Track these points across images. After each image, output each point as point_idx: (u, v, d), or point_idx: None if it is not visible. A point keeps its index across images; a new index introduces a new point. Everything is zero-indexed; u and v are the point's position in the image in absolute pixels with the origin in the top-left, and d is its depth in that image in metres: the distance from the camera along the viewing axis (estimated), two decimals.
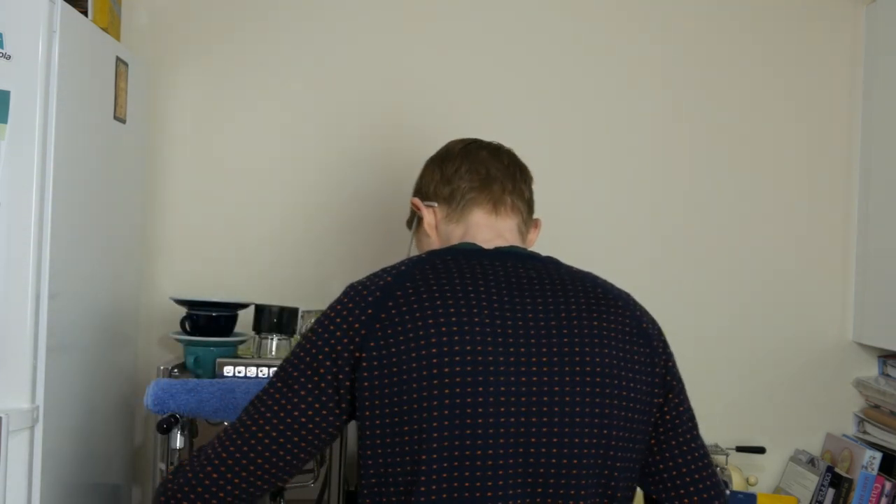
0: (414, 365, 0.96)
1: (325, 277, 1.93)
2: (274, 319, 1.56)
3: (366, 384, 0.98)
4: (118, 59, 1.63)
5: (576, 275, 1.08)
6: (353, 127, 1.94)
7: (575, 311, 1.03)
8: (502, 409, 0.96)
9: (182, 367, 1.58)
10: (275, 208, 1.93)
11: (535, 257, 1.10)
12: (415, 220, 1.25)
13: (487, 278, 1.04)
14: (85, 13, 1.58)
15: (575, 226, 1.97)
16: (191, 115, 1.92)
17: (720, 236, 1.99)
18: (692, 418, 1.10)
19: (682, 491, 1.07)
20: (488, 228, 1.15)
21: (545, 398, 0.97)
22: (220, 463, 1.02)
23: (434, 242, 1.20)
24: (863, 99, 2.00)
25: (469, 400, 0.95)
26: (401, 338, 0.98)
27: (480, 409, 0.95)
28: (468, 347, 0.97)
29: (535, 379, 0.98)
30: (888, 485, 1.78)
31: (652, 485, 1.09)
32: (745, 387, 1.99)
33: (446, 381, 0.96)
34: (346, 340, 1.00)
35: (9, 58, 1.30)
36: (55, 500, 1.41)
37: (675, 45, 1.99)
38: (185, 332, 1.58)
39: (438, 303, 0.99)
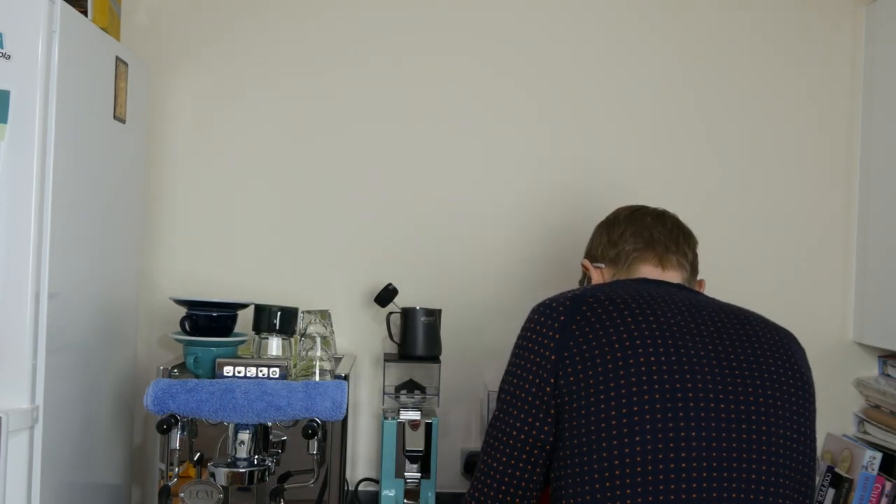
0: (619, 354, 1.03)
1: (325, 277, 1.93)
2: (274, 319, 1.56)
3: (571, 379, 1.05)
4: (118, 59, 1.63)
5: (735, 306, 1.16)
6: (353, 126, 1.94)
7: (751, 328, 1.11)
8: (701, 395, 1.02)
9: (182, 367, 1.58)
10: (274, 208, 1.93)
11: (700, 292, 1.20)
12: (584, 280, 1.36)
13: (671, 295, 1.12)
14: (85, 13, 1.58)
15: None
16: (191, 115, 1.92)
17: (720, 236, 1.99)
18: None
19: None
20: (656, 276, 1.24)
21: (749, 388, 1.03)
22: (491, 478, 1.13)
23: None
24: (863, 99, 2.00)
25: (679, 385, 1.02)
26: (600, 332, 1.06)
27: (680, 395, 1.02)
28: (669, 342, 1.04)
29: (735, 372, 1.04)
30: (888, 485, 1.78)
31: None
32: None
33: (653, 368, 1.02)
34: (542, 350, 1.09)
35: (9, 58, 1.30)
36: (55, 500, 1.41)
37: (672, 46, 1.98)
38: (184, 332, 1.58)
39: (632, 306, 1.08)
